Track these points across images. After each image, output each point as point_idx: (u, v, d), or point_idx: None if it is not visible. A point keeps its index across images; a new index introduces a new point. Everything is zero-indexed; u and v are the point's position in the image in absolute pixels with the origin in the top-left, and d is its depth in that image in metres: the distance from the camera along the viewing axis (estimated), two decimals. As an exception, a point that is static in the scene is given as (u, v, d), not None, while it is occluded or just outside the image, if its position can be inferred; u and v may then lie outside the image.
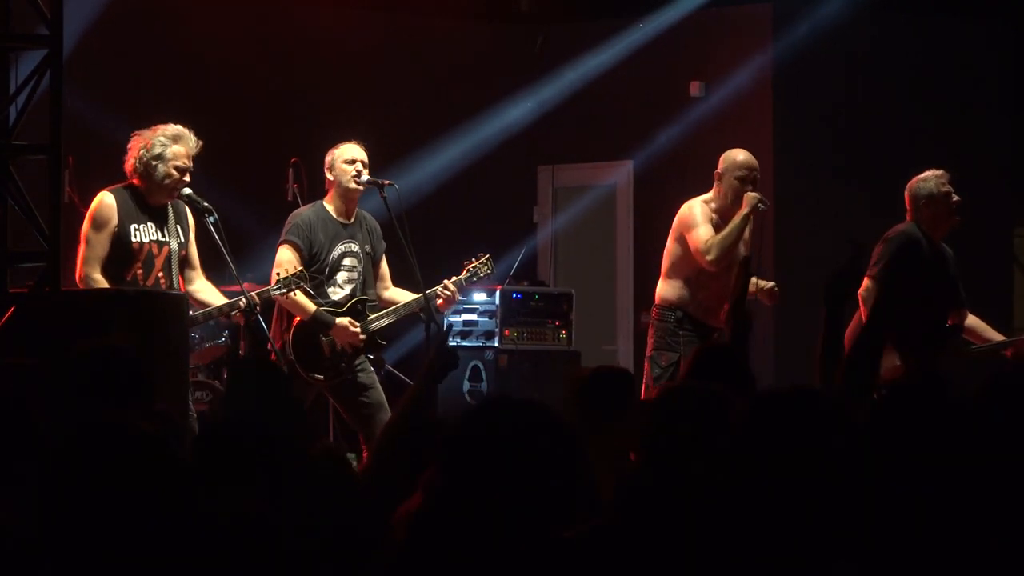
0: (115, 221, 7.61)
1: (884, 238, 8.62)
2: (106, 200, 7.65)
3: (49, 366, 5.56)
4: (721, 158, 8.67)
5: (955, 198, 8.72)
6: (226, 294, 8.15)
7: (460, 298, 8.97)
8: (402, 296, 8.66)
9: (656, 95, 12.33)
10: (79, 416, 4.23)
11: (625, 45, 12.25)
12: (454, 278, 8.68)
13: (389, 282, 8.71)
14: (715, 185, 8.62)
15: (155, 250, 7.66)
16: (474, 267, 8.83)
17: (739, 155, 8.63)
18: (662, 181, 12.08)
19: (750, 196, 8.47)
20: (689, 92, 12.15)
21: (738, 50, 11.98)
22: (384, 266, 8.68)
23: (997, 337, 8.85)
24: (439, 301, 8.57)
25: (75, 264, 7.53)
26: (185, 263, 7.82)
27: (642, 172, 12.48)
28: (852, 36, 12.00)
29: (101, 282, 7.51)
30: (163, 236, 7.72)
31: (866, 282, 8.41)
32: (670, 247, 8.66)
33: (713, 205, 8.57)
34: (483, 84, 12.46)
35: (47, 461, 3.12)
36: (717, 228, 8.51)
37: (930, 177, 8.73)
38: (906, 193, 8.77)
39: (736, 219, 8.46)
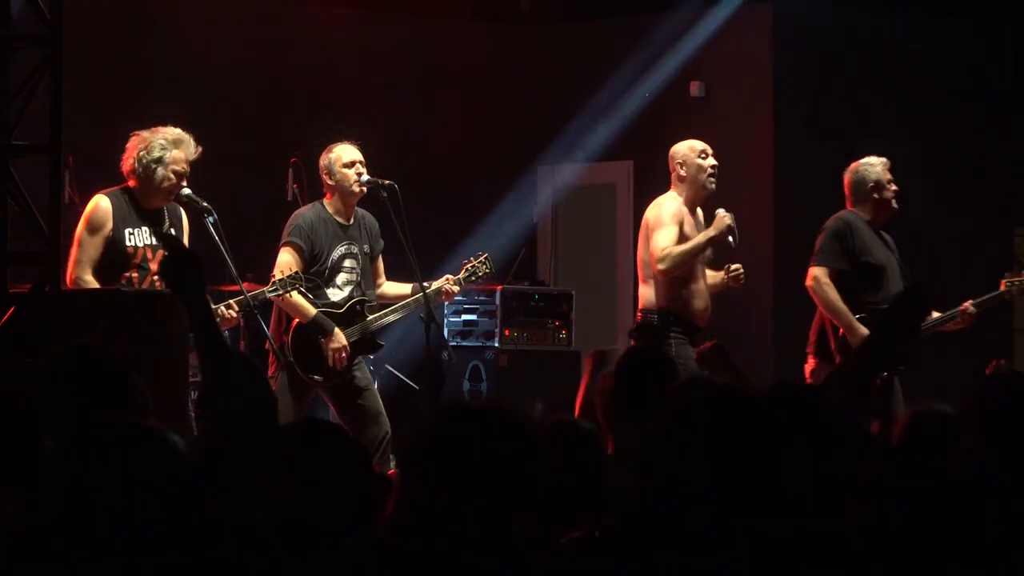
0: (110, 225, 7.58)
1: (822, 228, 8.61)
2: (102, 204, 7.63)
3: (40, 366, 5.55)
4: (672, 153, 8.64)
5: (895, 187, 8.67)
6: (225, 294, 8.13)
7: (458, 296, 8.97)
8: (395, 290, 8.66)
9: (656, 95, 12.33)
10: (61, 417, 4.21)
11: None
12: (453, 277, 8.68)
13: (384, 278, 8.71)
14: (675, 177, 8.59)
15: (150, 254, 7.64)
16: (473, 266, 8.82)
17: (687, 141, 8.69)
18: (662, 181, 12.07)
19: (722, 221, 8.42)
20: (689, 92, 12.15)
21: (738, 50, 11.98)
22: (379, 264, 8.68)
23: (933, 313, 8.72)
24: (441, 296, 8.62)
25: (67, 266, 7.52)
26: None
27: (642, 172, 12.47)
28: (852, 36, 12.00)
29: (92, 284, 7.49)
30: (158, 240, 7.69)
31: (811, 272, 8.48)
32: (642, 249, 8.60)
33: (683, 197, 8.57)
34: (483, 83, 12.47)
35: (61, 461, 3.11)
36: (688, 224, 8.46)
37: (876, 162, 8.69)
38: (847, 177, 8.72)
39: (701, 238, 8.42)
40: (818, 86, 11.89)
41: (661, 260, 8.34)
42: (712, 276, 8.67)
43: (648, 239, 8.50)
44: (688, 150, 8.60)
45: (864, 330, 8.17)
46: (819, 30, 11.83)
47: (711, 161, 8.56)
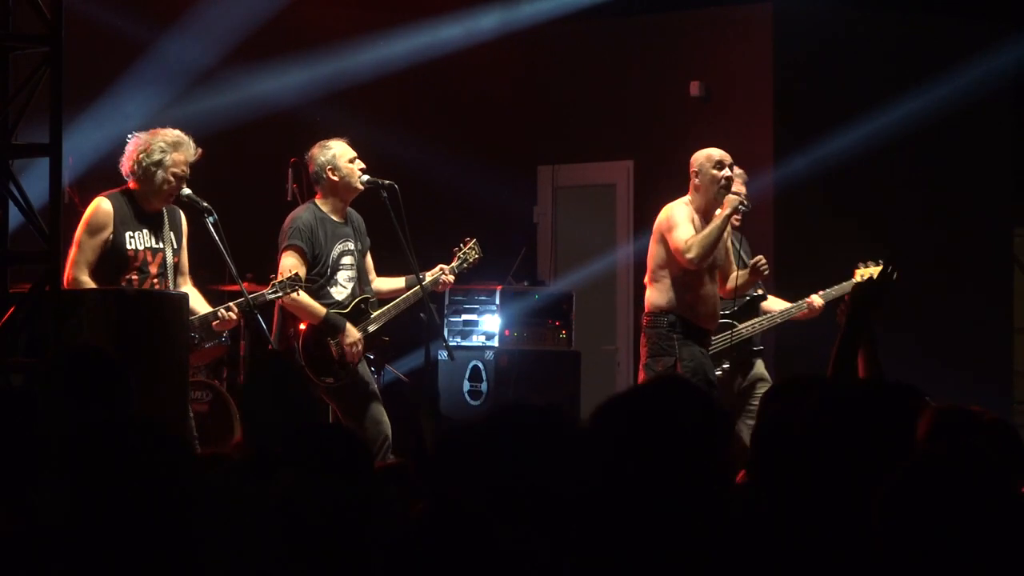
0: (110, 229, 7.57)
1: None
2: (103, 206, 7.62)
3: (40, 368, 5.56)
4: (692, 160, 8.66)
5: None
6: (226, 294, 8.13)
7: (458, 296, 8.96)
8: (389, 284, 8.68)
9: (656, 95, 12.33)
10: (61, 418, 4.21)
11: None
12: (447, 266, 8.69)
13: (374, 273, 8.73)
14: (692, 185, 8.61)
15: (149, 257, 7.64)
16: (463, 254, 8.84)
17: (707, 150, 8.67)
18: (662, 181, 12.09)
19: (731, 198, 8.50)
20: (689, 92, 12.16)
21: (738, 50, 11.98)
22: (369, 260, 8.69)
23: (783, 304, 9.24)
24: (438, 286, 8.66)
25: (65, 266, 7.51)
26: (175, 269, 7.79)
27: (642, 172, 12.48)
28: (852, 35, 12.00)
29: (89, 285, 7.48)
30: (157, 243, 7.68)
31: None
32: (653, 251, 8.63)
33: (694, 205, 8.59)
34: (483, 82, 12.46)
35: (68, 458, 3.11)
36: (699, 228, 8.50)
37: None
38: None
39: (717, 219, 8.47)
40: (818, 86, 11.90)
41: (687, 250, 8.40)
42: (742, 276, 8.73)
43: (659, 242, 8.57)
44: (704, 159, 8.61)
45: None
46: (819, 30, 11.84)
47: (726, 172, 8.54)
